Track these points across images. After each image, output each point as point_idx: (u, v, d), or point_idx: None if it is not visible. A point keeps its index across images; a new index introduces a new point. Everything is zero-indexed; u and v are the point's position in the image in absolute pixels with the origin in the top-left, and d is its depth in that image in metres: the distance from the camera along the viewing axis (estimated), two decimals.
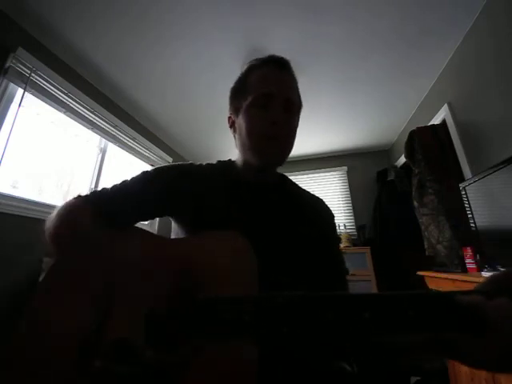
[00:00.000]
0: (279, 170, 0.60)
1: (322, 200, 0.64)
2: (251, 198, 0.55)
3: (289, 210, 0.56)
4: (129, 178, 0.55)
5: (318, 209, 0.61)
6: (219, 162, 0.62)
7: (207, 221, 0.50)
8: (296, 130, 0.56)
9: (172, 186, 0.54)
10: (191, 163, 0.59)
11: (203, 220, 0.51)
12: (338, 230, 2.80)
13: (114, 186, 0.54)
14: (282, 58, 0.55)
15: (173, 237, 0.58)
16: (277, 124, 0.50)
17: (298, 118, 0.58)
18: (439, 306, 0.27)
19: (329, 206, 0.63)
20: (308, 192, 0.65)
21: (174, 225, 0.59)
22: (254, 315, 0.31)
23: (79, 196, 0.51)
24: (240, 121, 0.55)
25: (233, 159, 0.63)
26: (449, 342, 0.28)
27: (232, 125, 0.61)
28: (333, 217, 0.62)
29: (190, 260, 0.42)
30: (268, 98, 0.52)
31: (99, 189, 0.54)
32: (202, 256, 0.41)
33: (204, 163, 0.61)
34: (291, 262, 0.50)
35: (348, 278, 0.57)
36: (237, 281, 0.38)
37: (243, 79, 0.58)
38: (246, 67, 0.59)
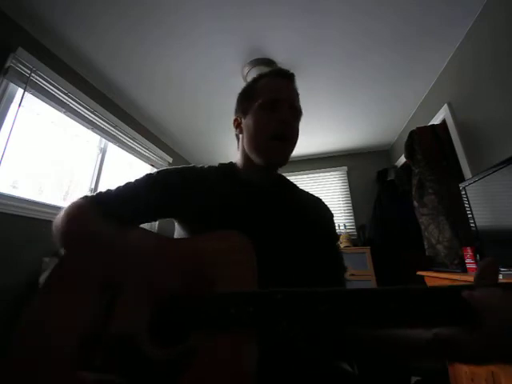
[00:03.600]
0: (280, 169, 0.61)
1: (320, 199, 0.65)
2: (253, 198, 0.56)
3: (289, 209, 0.57)
4: (132, 180, 0.57)
5: (317, 208, 0.62)
6: (221, 164, 0.64)
7: (207, 221, 0.51)
8: (298, 135, 0.59)
9: (175, 189, 0.55)
10: (194, 166, 0.61)
11: (203, 221, 0.52)
12: (338, 230, 2.80)
13: (118, 188, 0.55)
14: (288, 71, 0.60)
15: (176, 237, 0.59)
16: (284, 123, 0.54)
17: (299, 125, 0.60)
18: (433, 301, 0.28)
19: (329, 205, 0.64)
20: (307, 192, 0.66)
21: (177, 226, 0.60)
22: (257, 309, 0.31)
23: (86, 196, 0.53)
24: (248, 121, 0.58)
25: (233, 161, 0.65)
26: (445, 342, 0.28)
27: (238, 126, 0.63)
28: (332, 216, 0.63)
29: (193, 258, 0.43)
30: (276, 102, 0.55)
31: (103, 190, 0.55)
32: (204, 254, 0.43)
33: (206, 166, 0.62)
34: (291, 259, 0.51)
35: (348, 277, 0.57)
36: (237, 279, 0.39)
37: (252, 86, 0.61)
38: (255, 76, 0.63)
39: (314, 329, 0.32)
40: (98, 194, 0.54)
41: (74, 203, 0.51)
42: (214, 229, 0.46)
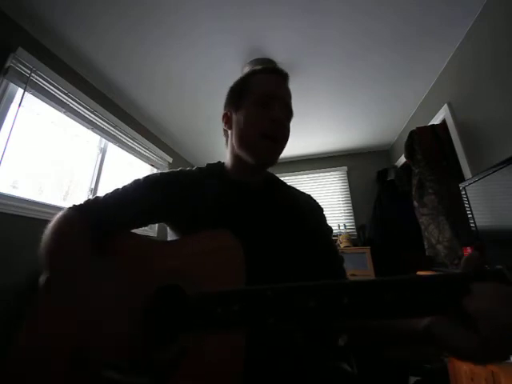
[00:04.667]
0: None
1: (309, 195, 0.65)
2: (241, 197, 0.56)
3: (279, 207, 0.57)
4: (120, 187, 0.55)
5: (306, 204, 0.62)
6: (208, 164, 0.63)
7: (199, 223, 0.50)
8: (289, 135, 0.58)
9: (164, 193, 0.54)
10: (181, 169, 0.60)
11: (195, 222, 0.51)
12: (338, 230, 2.80)
13: (107, 195, 0.54)
14: (283, 70, 0.58)
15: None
16: (277, 122, 0.52)
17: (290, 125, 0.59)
18: (415, 290, 0.27)
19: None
20: (296, 189, 0.66)
21: (169, 231, 0.59)
22: (242, 306, 0.31)
23: (73, 206, 0.51)
24: (239, 116, 0.56)
25: (222, 161, 0.64)
26: (436, 336, 0.28)
27: (227, 121, 0.60)
28: (322, 210, 0.63)
29: (180, 259, 0.43)
30: (270, 98, 0.53)
31: (92, 197, 0.54)
32: (191, 254, 0.43)
33: (194, 168, 0.61)
34: (282, 257, 0.50)
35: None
36: (224, 278, 0.39)
37: (245, 79, 0.59)
38: (248, 70, 0.61)
39: (305, 325, 0.31)
40: (86, 203, 0.52)
41: (59, 217, 0.48)
42: (203, 230, 0.45)
